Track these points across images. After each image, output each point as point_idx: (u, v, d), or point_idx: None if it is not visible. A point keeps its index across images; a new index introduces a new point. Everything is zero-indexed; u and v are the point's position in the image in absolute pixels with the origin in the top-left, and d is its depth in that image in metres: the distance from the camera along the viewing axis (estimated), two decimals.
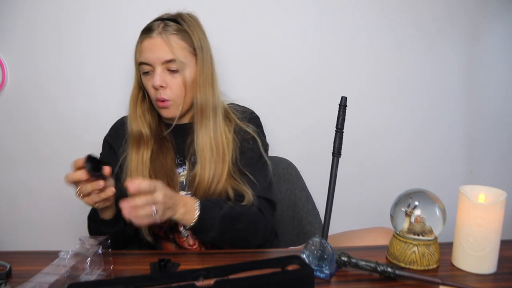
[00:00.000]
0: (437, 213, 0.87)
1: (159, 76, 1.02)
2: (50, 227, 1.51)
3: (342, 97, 0.86)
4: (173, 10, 1.44)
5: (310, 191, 1.36)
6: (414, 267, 0.84)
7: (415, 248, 0.85)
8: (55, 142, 1.47)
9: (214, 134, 1.05)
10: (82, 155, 1.46)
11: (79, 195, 0.87)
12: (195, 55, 1.06)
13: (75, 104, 1.45)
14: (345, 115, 0.86)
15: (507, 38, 1.60)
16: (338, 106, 0.86)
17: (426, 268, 0.84)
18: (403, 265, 0.85)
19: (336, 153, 0.85)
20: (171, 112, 1.06)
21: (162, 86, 1.02)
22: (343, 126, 0.86)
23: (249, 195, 1.02)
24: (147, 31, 1.05)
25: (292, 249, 1.11)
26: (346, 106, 0.86)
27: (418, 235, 0.86)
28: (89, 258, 0.78)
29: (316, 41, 1.50)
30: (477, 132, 1.65)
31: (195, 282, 0.68)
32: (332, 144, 0.86)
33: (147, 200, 0.82)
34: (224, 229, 0.96)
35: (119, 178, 1.05)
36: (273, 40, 1.47)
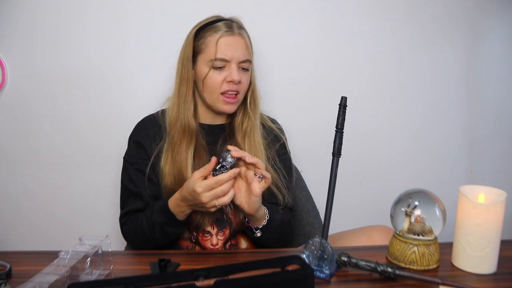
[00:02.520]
0: (437, 213, 0.87)
1: (237, 71, 1.08)
2: (50, 227, 1.51)
3: (342, 97, 0.86)
4: (173, 8, 1.45)
5: (310, 191, 1.36)
6: (414, 267, 0.84)
7: (415, 248, 0.85)
8: (55, 142, 1.47)
9: (261, 131, 1.15)
10: (82, 155, 1.47)
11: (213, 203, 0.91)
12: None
13: (75, 104, 1.45)
14: (345, 115, 0.86)
15: (507, 38, 1.60)
16: (338, 106, 0.86)
17: (426, 268, 0.84)
18: (403, 265, 0.85)
19: (336, 153, 0.85)
20: (233, 107, 1.12)
21: (239, 82, 1.09)
22: (343, 126, 0.86)
23: (282, 198, 1.12)
24: (220, 28, 1.09)
25: (292, 249, 1.11)
26: (346, 106, 0.86)
27: (418, 235, 0.86)
28: (89, 258, 0.78)
29: (316, 41, 1.50)
30: (477, 132, 1.65)
31: (195, 282, 0.68)
32: (332, 144, 0.86)
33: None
34: (278, 232, 1.06)
35: (150, 178, 1.08)
36: (273, 40, 1.47)
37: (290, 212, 1.17)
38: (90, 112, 1.46)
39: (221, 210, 1.09)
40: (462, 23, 1.56)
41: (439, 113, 1.61)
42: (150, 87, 1.42)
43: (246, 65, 1.10)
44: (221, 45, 1.07)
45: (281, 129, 1.24)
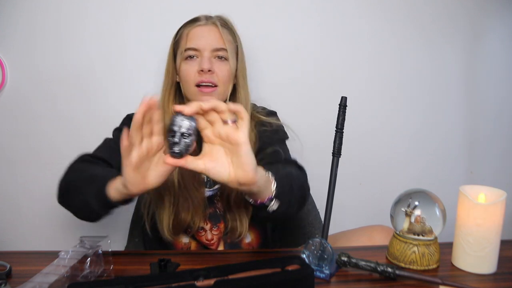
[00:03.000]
0: (437, 213, 0.87)
1: (208, 59, 1.03)
2: (50, 227, 1.51)
3: (342, 97, 0.86)
4: (173, 8, 1.45)
5: (310, 191, 1.36)
6: (414, 267, 0.84)
7: (415, 248, 0.85)
8: (55, 142, 1.47)
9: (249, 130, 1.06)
10: None
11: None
12: (237, 53, 1.09)
13: (75, 104, 1.45)
14: (345, 115, 0.86)
15: (507, 38, 1.60)
16: (338, 106, 0.86)
17: (426, 268, 0.84)
18: (403, 265, 0.85)
19: (336, 153, 0.85)
20: None
21: (210, 70, 1.02)
22: (343, 126, 0.86)
23: None
24: (196, 21, 1.08)
25: (292, 249, 1.11)
26: (346, 106, 0.86)
27: (418, 235, 0.86)
28: (89, 258, 0.78)
29: (316, 41, 1.50)
30: (477, 132, 1.65)
31: (195, 282, 0.68)
32: (332, 144, 0.86)
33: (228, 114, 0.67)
34: (294, 188, 0.84)
35: None
36: (273, 40, 1.47)
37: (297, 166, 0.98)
38: (90, 112, 1.46)
39: (213, 204, 1.07)
40: (462, 23, 1.56)
41: (439, 113, 1.61)
42: (150, 87, 1.42)
43: (221, 54, 1.05)
44: (192, 35, 1.05)
45: (271, 118, 1.15)
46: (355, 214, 1.56)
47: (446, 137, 1.63)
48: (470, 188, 0.86)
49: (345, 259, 0.82)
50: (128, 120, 1.13)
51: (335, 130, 0.86)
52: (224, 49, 1.05)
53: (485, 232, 0.82)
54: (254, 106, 1.17)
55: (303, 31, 1.49)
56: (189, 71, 1.04)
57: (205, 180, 1.08)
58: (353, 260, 0.82)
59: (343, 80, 1.53)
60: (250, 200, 0.79)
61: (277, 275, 0.70)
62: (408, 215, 0.87)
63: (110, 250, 0.83)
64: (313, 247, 0.83)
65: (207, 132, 0.69)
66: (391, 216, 0.90)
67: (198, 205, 1.04)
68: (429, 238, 0.85)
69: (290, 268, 0.73)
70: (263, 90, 1.48)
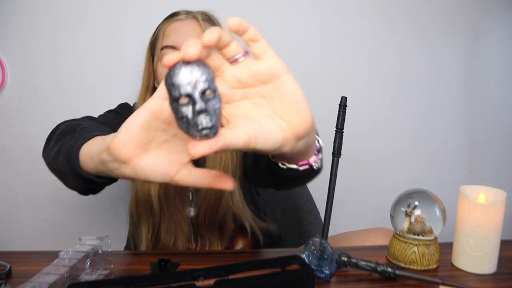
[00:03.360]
0: (437, 213, 0.87)
1: None
2: (50, 227, 1.51)
3: (342, 97, 0.86)
4: (173, 8, 1.44)
5: (310, 191, 1.36)
6: (414, 267, 0.84)
7: (415, 248, 0.84)
8: None
9: None
10: None
11: None
12: None
13: (74, 104, 1.45)
14: (345, 115, 0.86)
15: (507, 38, 1.60)
16: (338, 106, 0.86)
17: (426, 268, 0.84)
18: (403, 265, 0.85)
19: (336, 153, 0.85)
20: None
21: None
22: (343, 126, 0.86)
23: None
24: (174, 15, 0.97)
25: (292, 249, 1.11)
26: (346, 106, 0.86)
27: (418, 235, 0.86)
28: (89, 258, 0.78)
29: (316, 41, 1.50)
30: (477, 132, 1.65)
31: (195, 282, 0.68)
32: (332, 144, 0.86)
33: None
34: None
35: None
36: (273, 40, 1.47)
37: None
38: (90, 112, 1.45)
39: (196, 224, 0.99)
40: (462, 23, 1.56)
41: (439, 113, 1.61)
42: None
43: None
44: (169, 31, 0.95)
45: None
46: (355, 214, 1.56)
47: (446, 137, 1.63)
48: (470, 188, 0.86)
49: (345, 259, 0.82)
50: (125, 107, 1.06)
51: (335, 130, 0.86)
52: None
53: (485, 232, 0.82)
54: None
55: (303, 31, 1.49)
56: (165, 72, 0.96)
57: (190, 198, 1.00)
58: (353, 260, 0.82)
59: (343, 80, 1.53)
60: (300, 167, 0.58)
61: (277, 275, 0.70)
62: (408, 215, 0.87)
63: (110, 250, 0.83)
64: (313, 247, 0.83)
65: (221, 88, 0.44)
66: (391, 216, 0.90)
67: (181, 231, 0.95)
68: (429, 238, 0.85)
69: (290, 268, 0.73)
70: None
